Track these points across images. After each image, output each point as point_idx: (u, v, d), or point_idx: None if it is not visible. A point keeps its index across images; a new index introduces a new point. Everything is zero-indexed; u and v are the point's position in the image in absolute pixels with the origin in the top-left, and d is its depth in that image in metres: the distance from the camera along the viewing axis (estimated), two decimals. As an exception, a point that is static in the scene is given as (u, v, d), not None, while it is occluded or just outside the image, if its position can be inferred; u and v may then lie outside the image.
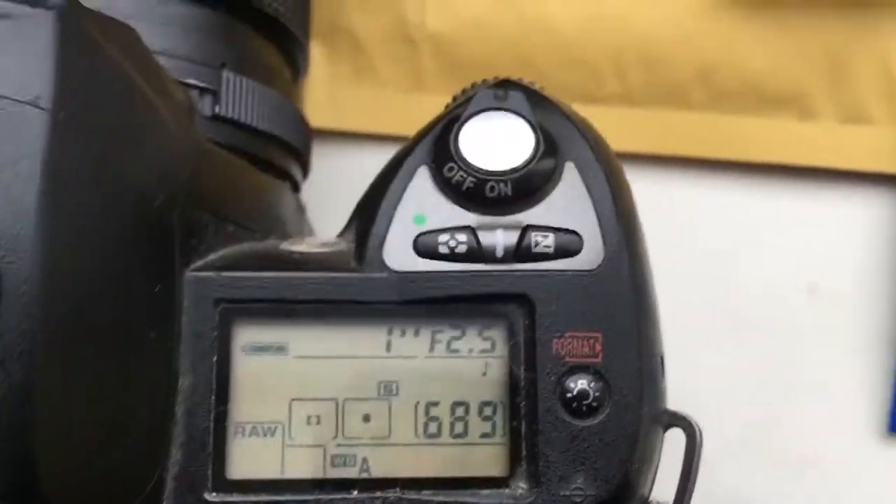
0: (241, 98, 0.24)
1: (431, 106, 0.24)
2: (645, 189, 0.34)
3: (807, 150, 0.35)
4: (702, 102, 0.35)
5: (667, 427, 0.21)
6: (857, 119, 0.34)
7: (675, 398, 0.22)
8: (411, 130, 0.23)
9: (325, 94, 0.36)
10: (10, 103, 0.17)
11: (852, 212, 0.35)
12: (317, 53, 0.36)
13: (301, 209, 0.26)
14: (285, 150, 0.26)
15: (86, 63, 0.18)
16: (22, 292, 0.16)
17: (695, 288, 0.35)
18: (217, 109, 0.23)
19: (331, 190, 0.30)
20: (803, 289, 0.35)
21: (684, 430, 0.21)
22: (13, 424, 0.16)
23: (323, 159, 0.35)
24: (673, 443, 0.22)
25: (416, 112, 0.25)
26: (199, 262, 0.20)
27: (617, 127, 0.35)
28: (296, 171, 0.27)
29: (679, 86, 0.35)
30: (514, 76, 0.27)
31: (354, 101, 0.36)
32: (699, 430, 0.20)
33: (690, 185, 0.35)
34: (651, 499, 0.21)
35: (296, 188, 0.27)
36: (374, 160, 0.23)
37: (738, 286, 0.35)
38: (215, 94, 0.23)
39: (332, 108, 0.36)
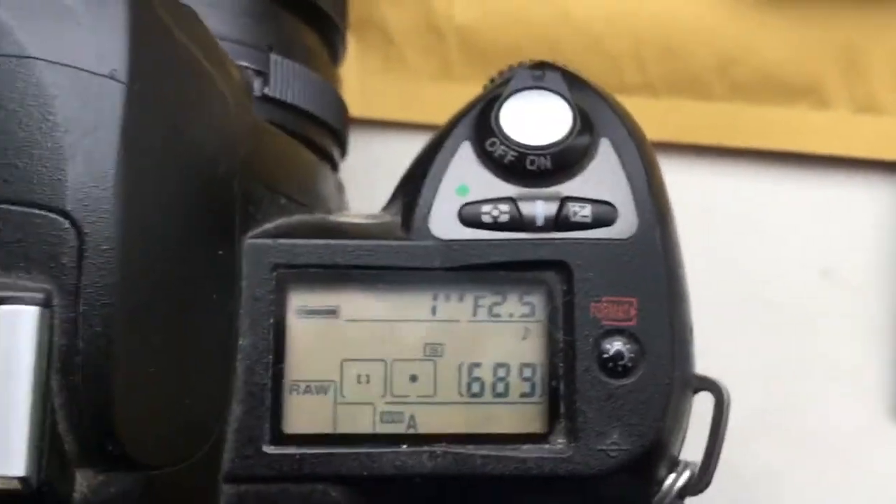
0: (287, 80, 0.25)
1: (459, 94, 0.25)
2: (666, 177, 0.36)
3: (822, 138, 0.36)
4: (721, 93, 0.36)
5: (696, 390, 0.22)
6: (870, 109, 0.35)
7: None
8: (440, 118, 0.24)
9: (356, 85, 0.37)
10: (88, 76, 0.18)
11: (865, 199, 0.36)
12: (349, 45, 0.37)
13: (341, 188, 0.28)
14: (326, 131, 0.27)
15: (156, 40, 0.19)
16: (103, 249, 0.18)
17: (713, 272, 0.36)
18: (266, 90, 0.24)
19: (363, 176, 0.32)
20: (817, 273, 0.36)
21: (713, 392, 0.22)
22: (92, 372, 0.17)
23: (354, 147, 0.36)
24: (697, 410, 0.23)
25: (444, 100, 0.26)
26: (257, 230, 0.21)
27: (638, 116, 0.37)
28: (335, 152, 0.28)
29: (698, 76, 0.36)
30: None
31: (385, 90, 0.37)
32: (727, 393, 0.22)
33: (709, 173, 0.36)
34: (680, 459, 0.22)
35: (335, 167, 0.29)
36: (404, 147, 0.24)
37: (755, 270, 0.36)
38: (265, 76, 0.24)
39: (363, 97, 0.37)
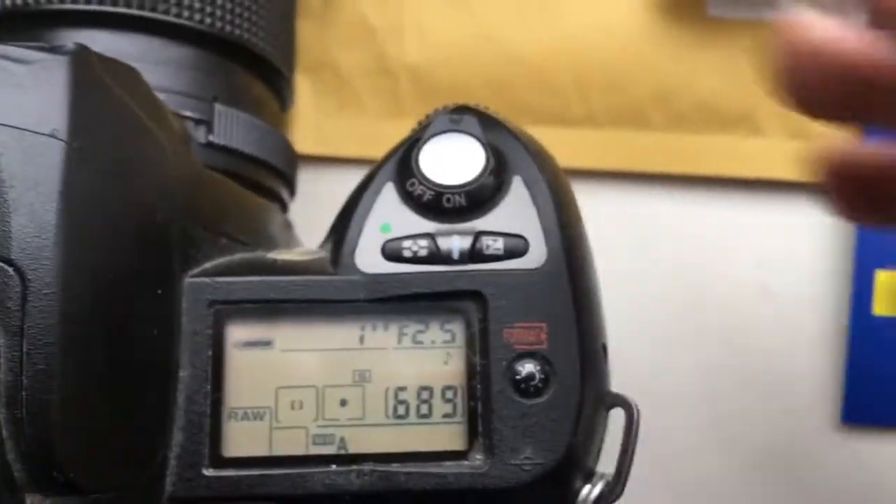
0: (231, 127, 0.27)
1: (410, 131, 0.27)
2: (609, 203, 0.38)
3: (757, 163, 0.38)
4: (660, 122, 0.38)
5: (609, 406, 0.24)
6: (800, 135, 0.37)
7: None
8: (380, 155, 0.26)
9: (312, 124, 0.39)
10: (31, 135, 0.20)
11: (799, 219, 0.37)
12: (304, 86, 0.39)
13: (288, 225, 0.29)
14: (273, 173, 0.29)
15: (96, 100, 0.21)
16: (44, 294, 0.19)
17: (657, 293, 0.38)
18: (210, 138, 0.26)
19: (318, 210, 0.33)
20: (758, 290, 0.38)
21: (624, 408, 0.23)
22: (35, 406, 0.19)
23: (310, 183, 0.38)
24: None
25: (396, 137, 0.28)
26: (196, 270, 0.23)
27: (582, 147, 0.39)
28: (283, 192, 0.30)
29: (639, 107, 0.38)
30: (487, 101, 0.30)
31: (339, 129, 0.39)
32: (637, 409, 0.23)
33: (651, 200, 0.38)
34: (597, 471, 0.24)
35: (284, 207, 0.30)
36: (356, 181, 0.26)
37: (698, 290, 0.38)
38: (209, 125, 0.26)
39: (318, 136, 0.39)
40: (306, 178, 0.37)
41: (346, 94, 0.39)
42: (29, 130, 0.20)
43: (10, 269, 0.19)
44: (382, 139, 0.39)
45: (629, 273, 0.38)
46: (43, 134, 0.20)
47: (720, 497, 0.37)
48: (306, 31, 0.38)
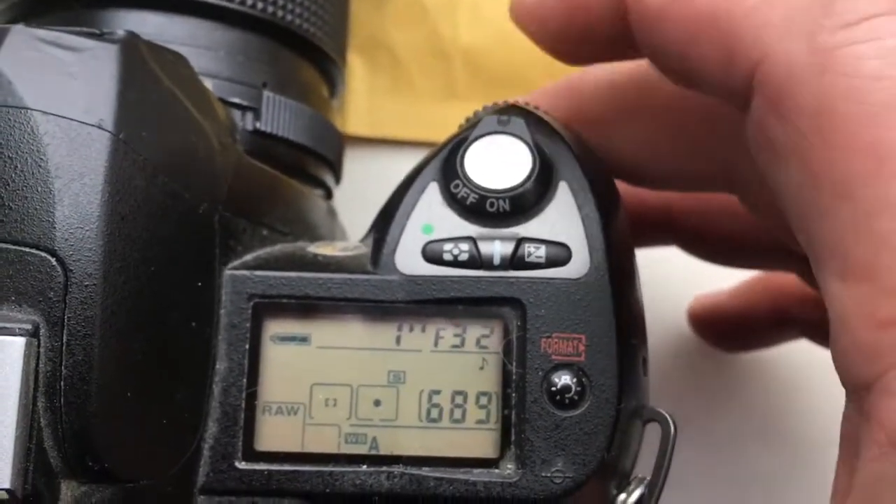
0: (279, 114, 0.27)
1: (463, 114, 0.26)
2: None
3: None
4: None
5: (646, 421, 0.23)
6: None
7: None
8: (444, 137, 0.25)
9: (365, 105, 0.39)
10: (78, 125, 0.20)
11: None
12: (358, 67, 0.39)
13: (332, 213, 0.29)
14: (319, 161, 0.29)
15: (143, 89, 0.21)
16: (86, 285, 0.20)
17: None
18: (258, 125, 0.26)
19: (370, 191, 0.33)
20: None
21: (661, 424, 0.23)
22: (74, 396, 0.19)
23: (363, 164, 0.38)
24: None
25: (448, 120, 0.27)
26: (236, 262, 0.23)
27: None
28: (328, 179, 0.30)
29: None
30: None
31: (392, 111, 0.39)
32: (674, 425, 0.23)
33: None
34: (633, 475, 0.23)
35: (328, 194, 0.30)
36: (411, 165, 0.26)
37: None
38: (256, 112, 0.26)
39: (371, 118, 0.39)
40: (359, 159, 0.37)
41: (399, 76, 0.39)
42: (76, 120, 0.20)
43: (53, 260, 0.19)
44: (435, 122, 0.39)
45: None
46: (90, 124, 0.20)
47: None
48: (361, 11, 0.38)
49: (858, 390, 0.18)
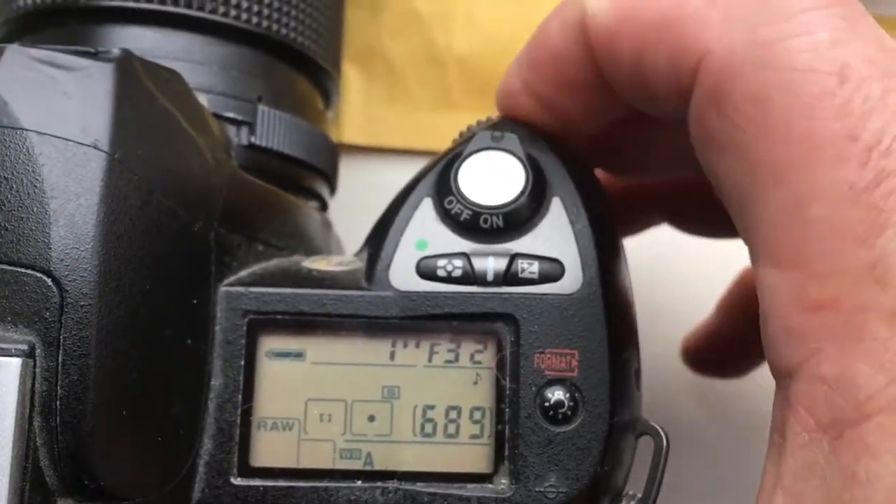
0: (274, 129, 0.27)
1: (459, 122, 0.26)
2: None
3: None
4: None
5: (639, 435, 0.23)
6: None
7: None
8: (440, 145, 0.25)
9: (361, 114, 0.39)
10: (73, 146, 0.20)
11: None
12: (354, 76, 0.39)
13: (327, 225, 0.29)
14: (314, 173, 0.29)
15: (138, 108, 0.21)
16: (81, 305, 0.20)
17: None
18: (252, 139, 0.26)
19: (366, 199, 0.33)
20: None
21: (653, 437, 0.23)
22: (69, 416, 0.20)
23: (359, 172, 0.38)
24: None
25: (444, 128, 0.27)
26: (232, 278, 0.23)
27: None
28: (323, 191, 0.30)
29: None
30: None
31: (388, 119, 0.39)
32: (666, 438, 0.23)
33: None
34: (626, 491, 0.23)
35: (324, 206, 0.30)
36: (406, 174, 0.26)
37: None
38: (251, 126, 0.26)
39: (368, 126, 0.39)
40: (355, 168, 0.37)
41: (395, 84, 0.39)
42: (72, 140, 0.20)
43: (49, 280, 0.20)
44: (431, 130, 0.39)
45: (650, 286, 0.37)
46: (85, 144, 0.20)
47: None
48: (356, 20, 0.38)
49: (784, 377, 0.19)
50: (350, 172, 0.35)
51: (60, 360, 0.19)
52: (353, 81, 0.39)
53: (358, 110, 0.39)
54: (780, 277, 0.19)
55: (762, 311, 0.19)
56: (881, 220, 0.17)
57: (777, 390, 0.19)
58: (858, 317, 0.17)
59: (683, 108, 0.21)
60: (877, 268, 0.17)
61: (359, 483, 0.22)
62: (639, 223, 0.32)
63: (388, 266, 0.23)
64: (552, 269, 0.23)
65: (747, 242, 0.20)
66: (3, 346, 0.19)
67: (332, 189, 0.31)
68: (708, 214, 0.29)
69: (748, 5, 0.19)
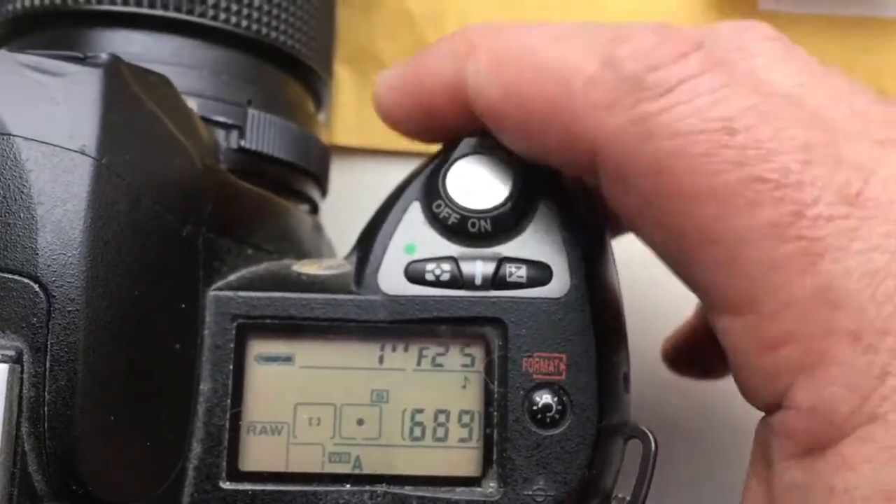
0: (263, 132, 0.27)
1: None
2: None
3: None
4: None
5: (627, 438, 0.23)
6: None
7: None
8: (432, 148, 0.25)
9: (353, 115, 0.39)
10: (60, 151, 0.20)
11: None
12: (346, 77, 0.39)
13: (318, 228, 0.29)
14: (304, 176, 0.29)
15: (126, 113, 0.21)
16: (69, 311, 0.20)
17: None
18: (242, 143, 0.26)
19: (358, 201, 0.33)
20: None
21: (642, 441, 0.23)
22: (57, 421, 0.20)
23: (351, 174, 0.38)
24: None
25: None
26: (220, 283, 0.23)
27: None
28: (314, 194, 0.30)
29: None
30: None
31: (380, 121, 0.39)
32: (654, 441, 0.23)
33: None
34: (615, 494, 0.24)
35: (314, 209, 0.30)
36: (400, 175, 0.26)
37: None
38: (241, 130, 0.26)
39: (360, 127, 0.39)
40: (347, 169, 0.37)
41: (386, 86, 0.39)
42: (59, 146, 0.20)
43: (36, 286, 0.20)
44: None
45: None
46: (73, 150, 0.20)
47: None
48: (349, 21, 0.38)
49: (767, 410, 0.19)
50: (343, 174, 0.35)
51: (48, 365, 0.19)
52: (345, 82, 0.39)
53: (350, 111, 0.39)
54: (736, 324, 0.19)
55: (728, 354, 0.20)
56: (817, 247, 0.18)
57: (760, 420, 0.20)
58: (820, 343, 0.18)
59: (587, 175, 0.21)
60: (828, 291, 0.18)
61: (348, 487, 0.22)
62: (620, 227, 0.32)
63: (377, 270, 0.23)
64: (540, 273, 0.23)
65: (695, 293, 0.21)
66: (-10, 352, 0.19)
67: (324, 192, 0.31)
68: None
69: (629, 86, 0.20)
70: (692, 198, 0.19)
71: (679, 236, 0.19)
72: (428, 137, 0.25)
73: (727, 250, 0.19)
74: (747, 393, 0.20)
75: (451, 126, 0.24)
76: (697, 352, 0.35)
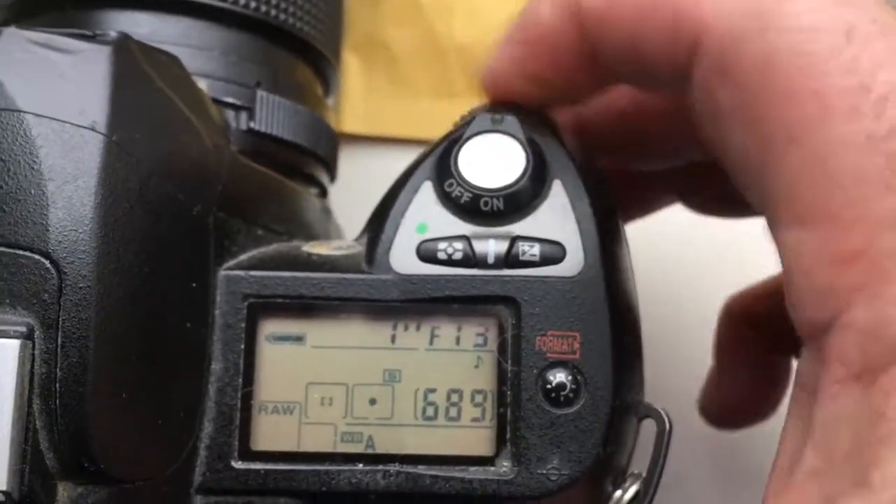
0: (273, 114, 0.27)
1: (459, 111, 0.26)
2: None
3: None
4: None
5: (641, 418, 0.23)
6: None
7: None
8: (441, 134, 0.25)
9: (362, 103, 0.39)
10: (70, 128, 0.20)
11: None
12: (354, 65, 0.39)
13: (327, 212, 0.29)
14: (313, 159, 0.29)
15: (136, 91, 0.21)
16: (80, 287, 0.20)
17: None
18: (251, 124, 0.26)
19: (367, 189, 0.33)
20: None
21: (656, 420, 0.23)
22: (69, 398, 0.19)
23: (359, 161, 0.38)
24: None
25: (445, 117, 0.27)
26: (231, 262, 0.23)
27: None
28: (323, 178, 0.30)
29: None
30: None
31: (390, 109, 0.39)
32: (669, 421, 0.23)
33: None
34: (630, 471, 0.23)
35: (323, 193, 0.30)
36: (407, 162, 0.26)
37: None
38: (250, 111, 0.26)
39: (368, 115, 0.39)
40: (355, 157, 0.37)
41: (395, 73, 0.39)
42: (69, 123, 0.20)
43: (47, 262, 0.20)
44: (432, 120, 0.38)
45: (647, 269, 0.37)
46: (83, 126, 0.20)
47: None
48: (357, 9, 0.38)
49: (816, 335, 0.19)
50: (351, 161, 0.35)
51: (59, 342, 0.19)
52: (353, 70, 0.39)
53: (358, 99, 0.39)
54: (805, 235, 0.18)
55: (785, 274, 0.19)
56: None
57: (805, 349, 0.19)
58: (888, 262, 0.17)
59: (680, 83, 0.21)
60: None
61: (360, 466, 0.22)
62: (652, 203, 0.32)
63: (389, 249, 0.23)
64: (553, 252, 0.23)
65: (764, 208, 0.20)
66: (2, 328, 0.19)
67: (332, 176, 0.31)
68: (720, 193, 0.29)
69: None
70: (794, 97, 0.18)
71: (767, 137, 0.19)
72: (543, 90, 0.24)
73: (814, 155, 0.18)
74: (798, 310, 0.19)
75: (565, 65, 0.23)
76: (730, 404, 0.33)
